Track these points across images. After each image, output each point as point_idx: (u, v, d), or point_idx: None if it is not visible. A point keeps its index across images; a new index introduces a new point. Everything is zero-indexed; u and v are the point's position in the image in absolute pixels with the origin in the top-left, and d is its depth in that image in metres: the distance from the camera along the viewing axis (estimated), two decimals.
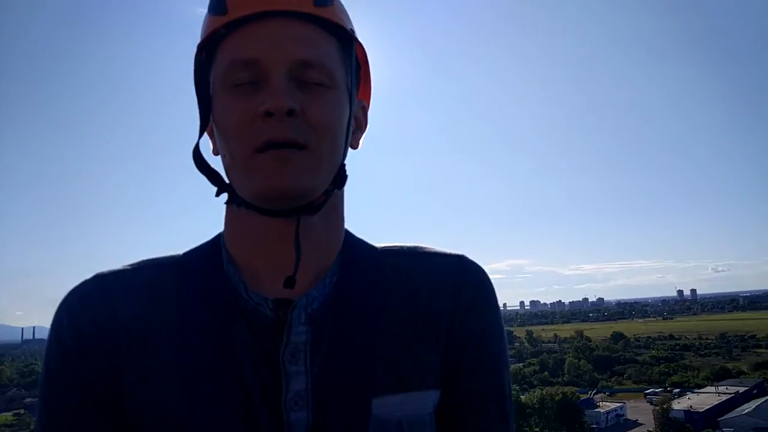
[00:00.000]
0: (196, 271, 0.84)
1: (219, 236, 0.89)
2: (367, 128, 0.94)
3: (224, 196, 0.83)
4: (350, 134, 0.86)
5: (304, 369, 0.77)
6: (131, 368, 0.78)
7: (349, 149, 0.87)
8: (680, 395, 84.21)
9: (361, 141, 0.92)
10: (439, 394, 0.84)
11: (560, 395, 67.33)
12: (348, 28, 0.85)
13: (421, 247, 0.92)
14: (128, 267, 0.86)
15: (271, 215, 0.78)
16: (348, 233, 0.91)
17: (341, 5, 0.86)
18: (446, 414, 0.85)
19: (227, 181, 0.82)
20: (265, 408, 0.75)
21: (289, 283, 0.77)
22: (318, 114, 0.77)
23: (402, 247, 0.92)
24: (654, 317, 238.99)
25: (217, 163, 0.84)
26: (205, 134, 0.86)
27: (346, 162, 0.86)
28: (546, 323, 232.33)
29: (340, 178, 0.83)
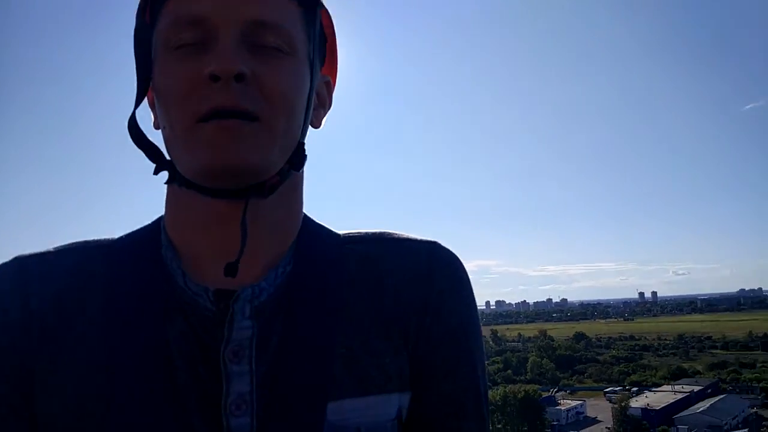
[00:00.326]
0: (129, 256, 0.74)
1: (160, 219, 0.78)
2: (331, 108, 0.84)
3: (164, 175, 0.73)
4: (311, 110, 0.75)
5: (248, 369, 0.67)
6: (46, 367, 0.67)
7: (310, 128, 0.77)
8: (638, 393, 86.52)
9: (323, 120, 0.82)
10: (409, 397, 0.75)
11: (522, 393, 68.70)
12: None
13: (389, 233, 0.82)
14: (53, 249, 0.76)
15: (216, 196, 0.68)
16: (307, 219, 0.80)
17: None
18: (421, 416, 0.76)
19: (168, 156, 0.71)
20: (201, 413, 0.65)
21: (231, 270, 0.66)
22: (273, 81, 0.67)
23: (367, 234, 0.82)
24: (615, 318, 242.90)
25: (159, 138, 0.73)
26: (148, 106, 0.76)
27: (306, 142, 0.75)
28: (511, 323, 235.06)
29: (298, 158, 0.73)
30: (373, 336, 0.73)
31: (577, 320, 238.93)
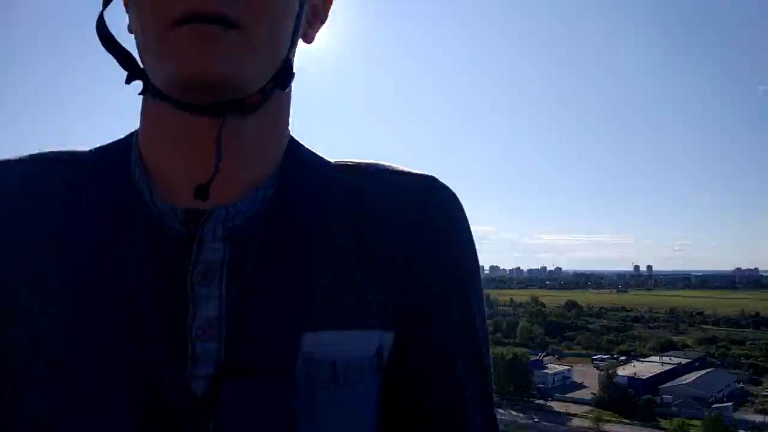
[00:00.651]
0: (95, 170, 0.68)
1: (133, 134, 0.71)
2: (326, 22, 0.74)
3: (138, 85, 0.64)
4: (301, 21, 0.66)
5: (218, 293, 0.62)
6: (3, 275, 0.63)
7: (302, 43, 0.69)
8: (626, 363, 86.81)
9: (317, 35, 0.73)
10: (392, 337, 0.69)
11: (511, 355, 68.79)
12: None
13: (384, 165, 0.76)
14: (11, 158, 0.70)
15: (191, 110, 0.60)
16: (295, 143, 0.74)
17: None
18: (410, 359, 0.71)
19: (141, 65, 0.63)
20: (164, 337, 0.60)
21: (201, 193, 0.60)
22: None
23: (361, 163, 0.75)
24: (609, 289, 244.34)
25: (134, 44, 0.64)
26: (123, 6, 0.67)
27: (295, 58, 0.67)
28: (504, 288, 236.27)
29: (284, 75, 0.64)
30: (357, 270, 0.67)
31: (570, 289, 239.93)
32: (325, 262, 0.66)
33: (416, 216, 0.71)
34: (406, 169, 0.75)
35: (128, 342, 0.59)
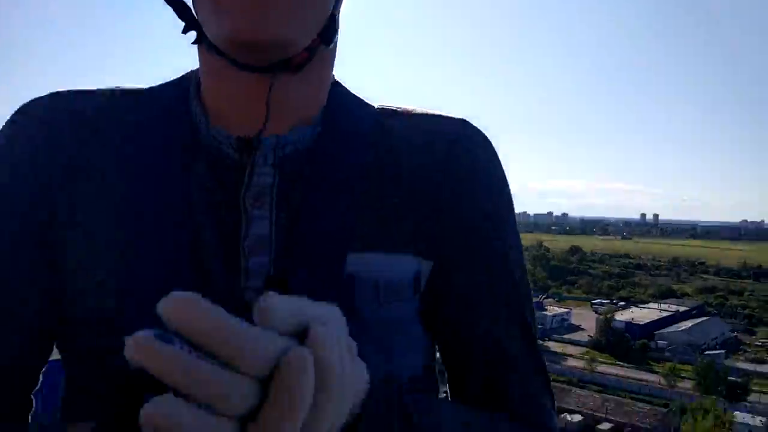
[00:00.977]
0: (158, 104, 0.73)
1: (190, 73, 0.76)
2: None
3: (193, 35, 0.68)
4: None
5: (268, 214, 0.67)
6: (68, 202, 0.68)
7: None
8: (624, 308, 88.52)
9: None
10: (430, 267, 0.71)
11: None
12: None
13: (421, 111, 0.77)
14: (90, 89, 0.75)
15: (242, 69, 0.63)
16: (338, 85, 0.76)
17: None
18: (439, 313, 0.72)
19: (195, 15, 0.65)
20: (220, 256, 0.66)
21: (249, 147, 0.66)
22: None
23: (399, 108, 0.77)
24: (614, 237, 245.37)
25: None
26: None
27: (339, 14, 0.68)
28: None
29: (329, 31, 0.65)
30: (394, 218, 0.70)
31: (576, 235, 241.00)
32: (365, 197, 0.69)
33: (442, 159, 0.72)
34: (441, 113, 0.77)
35: (188, 256, 0.64)
